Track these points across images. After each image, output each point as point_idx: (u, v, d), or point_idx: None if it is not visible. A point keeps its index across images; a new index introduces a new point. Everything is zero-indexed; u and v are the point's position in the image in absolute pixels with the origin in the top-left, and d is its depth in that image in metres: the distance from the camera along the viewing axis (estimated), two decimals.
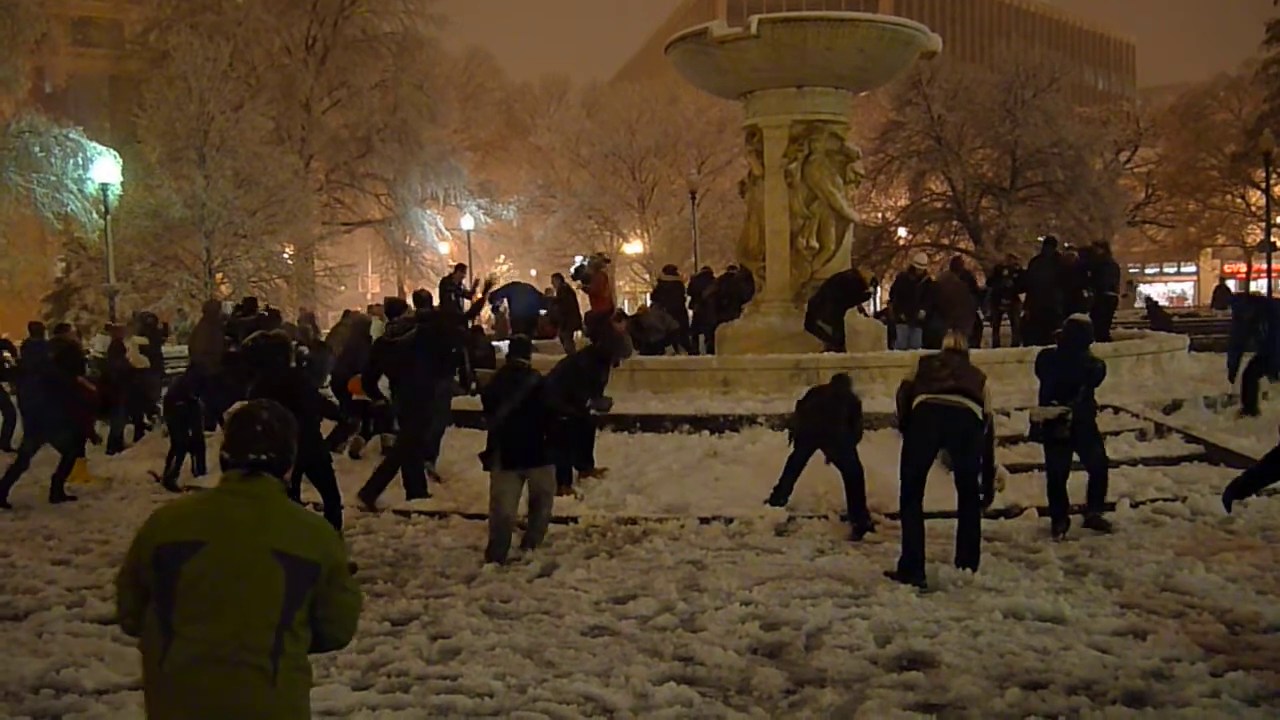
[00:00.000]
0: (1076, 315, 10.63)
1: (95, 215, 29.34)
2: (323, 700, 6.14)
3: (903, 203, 46.25)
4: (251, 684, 3.22)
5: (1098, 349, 14.48)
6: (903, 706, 5.85)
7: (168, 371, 20.61)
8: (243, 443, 3.49)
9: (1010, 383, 14.11)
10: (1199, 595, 7.62)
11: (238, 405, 3.91)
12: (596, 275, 18.34)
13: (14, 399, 16.63)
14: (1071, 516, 9.99)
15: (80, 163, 29.90)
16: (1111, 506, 10.20)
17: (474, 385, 14.51)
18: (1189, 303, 60.47)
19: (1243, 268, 59.49)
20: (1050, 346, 10.80)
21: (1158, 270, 70.59)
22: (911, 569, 8.20)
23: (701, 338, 20.00)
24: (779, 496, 10.40)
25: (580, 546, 9.72)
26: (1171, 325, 25.36)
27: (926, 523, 8.77)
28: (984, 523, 9.84)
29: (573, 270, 20.71)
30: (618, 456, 12.11)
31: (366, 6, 40.81)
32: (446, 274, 21.11)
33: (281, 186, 31.71)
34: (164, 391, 15.93)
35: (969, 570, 8.24)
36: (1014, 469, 11.22)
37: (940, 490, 8.66)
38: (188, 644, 3.23)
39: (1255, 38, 46.32)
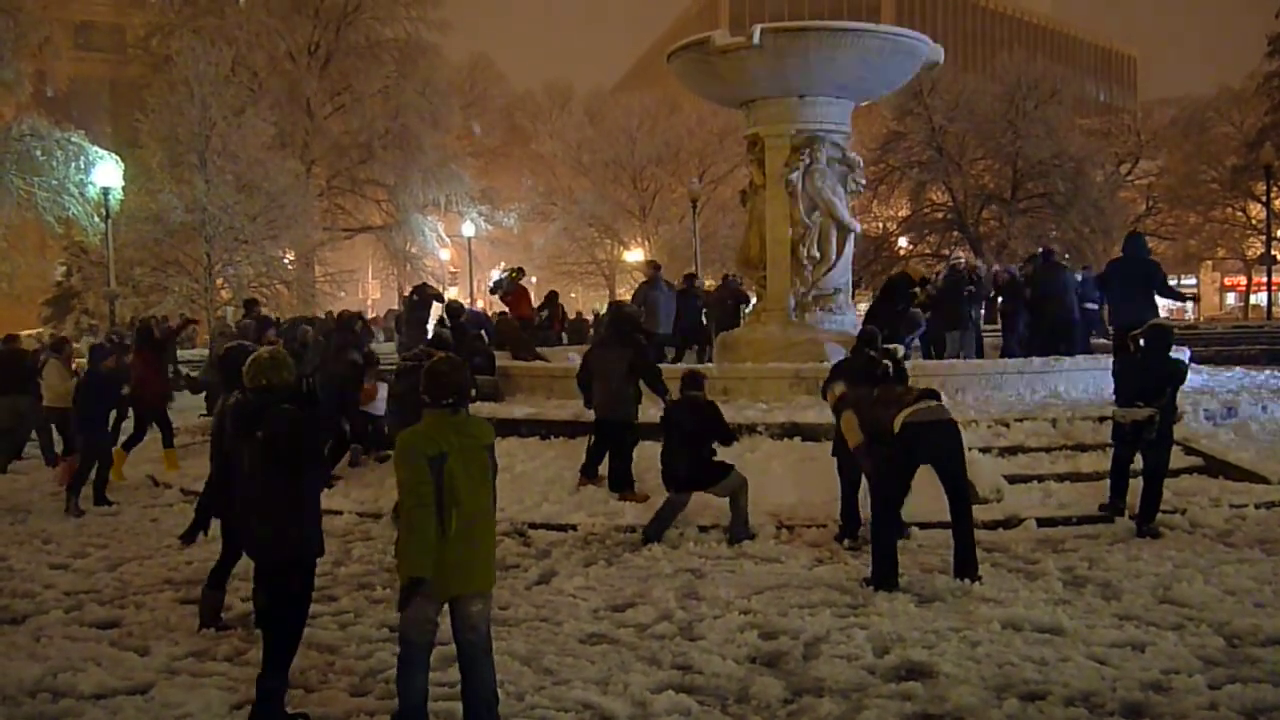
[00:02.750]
0: (1158, 320, 10.75)
1: (96, 219, 29.37)
2: (320, 706, 6.14)
3: (904, 213, 46.36)
4: (492, 537, 5.59)
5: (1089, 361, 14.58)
6: (901, 716, 5.85)
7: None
8: (437, 391, 5.42)
9: (1010, 392, 14.12)
10: (1197, 607, 7.62)
11: (429, 363, 5.70)
12: (515, 288, 19.09)
13: None
14: (1064, 527, 10.03)
15: (81, 166, 29.94)
16: (1115, 517, 10.23)
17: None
18: (1189, 316, 60.53)
19: (1243, 280, 59.51)
20: (1128, 352, 10.88)
21: None
22: (889, 577, 8.22)
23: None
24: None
25: (578, 554, 9.71)
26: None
27: (926, 532, 8.77)
28: (983, 534, 9.89)
29: (490, 285, 21.44)
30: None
31: (370, 12, 40.92)
32: (429, 291, 21.15)
33: (283, 192, 31.72)
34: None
35: (968, 581, 8.23)
36: (1012, 480, 11.24)
37: (936, 501, 8.66)
38: (470, 514, 5.30)
39: (1257, 51, 46.54)
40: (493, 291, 20.25)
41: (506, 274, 21.02)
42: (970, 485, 10.28)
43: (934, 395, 8.63)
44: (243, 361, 7.34)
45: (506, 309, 19.97)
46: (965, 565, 8.36)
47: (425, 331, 18.86)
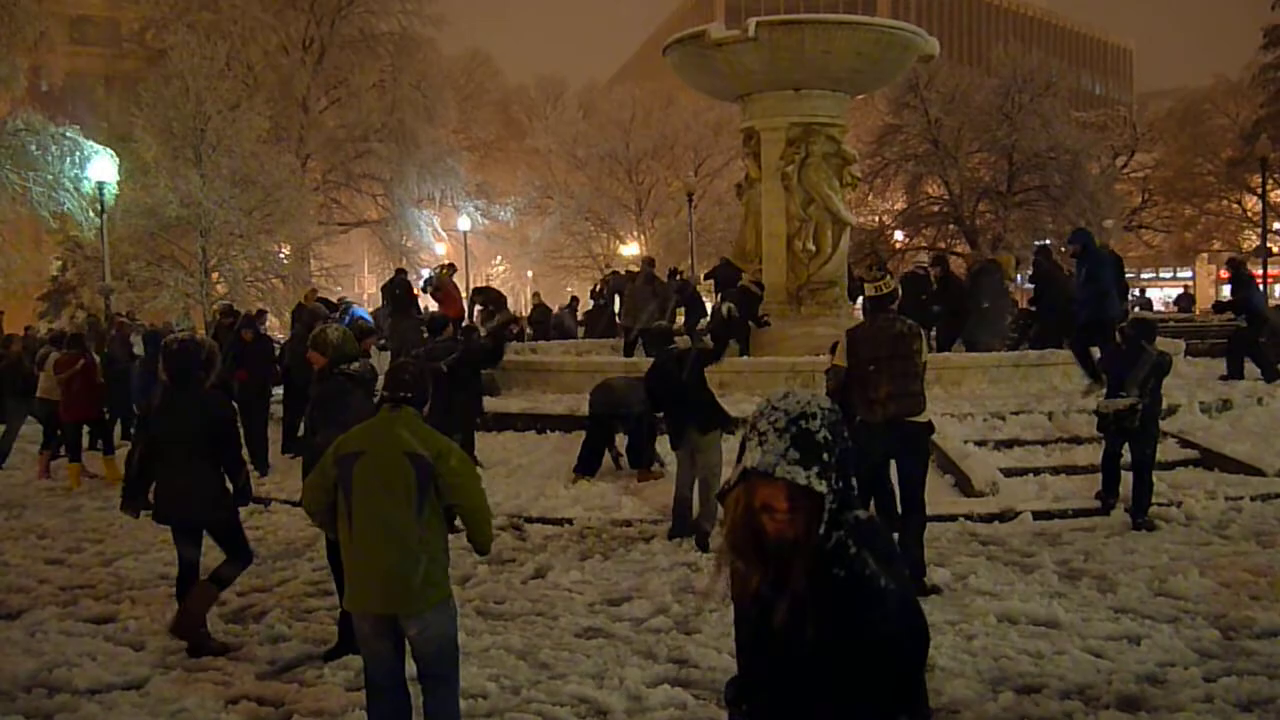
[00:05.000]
0: (1141, 313, 10.82)
1: (91, 214, 29.28)
2: (316, 701, 6.14)
3: (899, 206, 46.29)
4: (404, 553, 4.74)
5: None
6: None
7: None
8: (394, 386, 5.04)
9: (1006, 387, 14.13)
10: (1193, 600, 7.63)
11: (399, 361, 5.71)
12: (445, 284, 19.78)
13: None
14: (1061, 523, 10.04)
15: (77, 161, 29.84)
16: (1111, 508, 10.26)
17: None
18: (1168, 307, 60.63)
19: None
20: (1115, 343, 10.95)
21: (1154, 275, 70.69)
22: None
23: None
24: None
25: (574, 548, 9.71)
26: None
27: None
28: (979, 527, 9.93)
29: (423, 283, 21.75)
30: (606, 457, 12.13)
31: (364, 6, 40.77)
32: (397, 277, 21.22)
33: (278, 186, 31.63)
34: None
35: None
36: (1009, 473, 11.25)
37: (931, 494, 8.67)
38: (365, 523, 4.79)
39: (1253, 43, 46.47)
40: (424, 288, 20.40)
41: (437, 271, 21.28)
42: (966, 478, 10.41)
43: (907, 406, 8.49)
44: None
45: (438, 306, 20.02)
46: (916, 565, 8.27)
47: (414, 320, 18.88)
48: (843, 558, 2.36)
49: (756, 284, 16.57)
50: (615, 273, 25.67)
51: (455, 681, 5.06)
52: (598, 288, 25.42)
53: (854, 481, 2.45)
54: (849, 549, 2.36)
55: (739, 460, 2.47)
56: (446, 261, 25.45)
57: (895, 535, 8.32)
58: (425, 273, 32.35)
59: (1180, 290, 48.67)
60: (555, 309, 28.48)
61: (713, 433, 9.78)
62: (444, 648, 4.93)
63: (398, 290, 20.08)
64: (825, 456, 2.36)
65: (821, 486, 2.34)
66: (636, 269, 21.27)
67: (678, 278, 22.41)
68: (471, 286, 46.35)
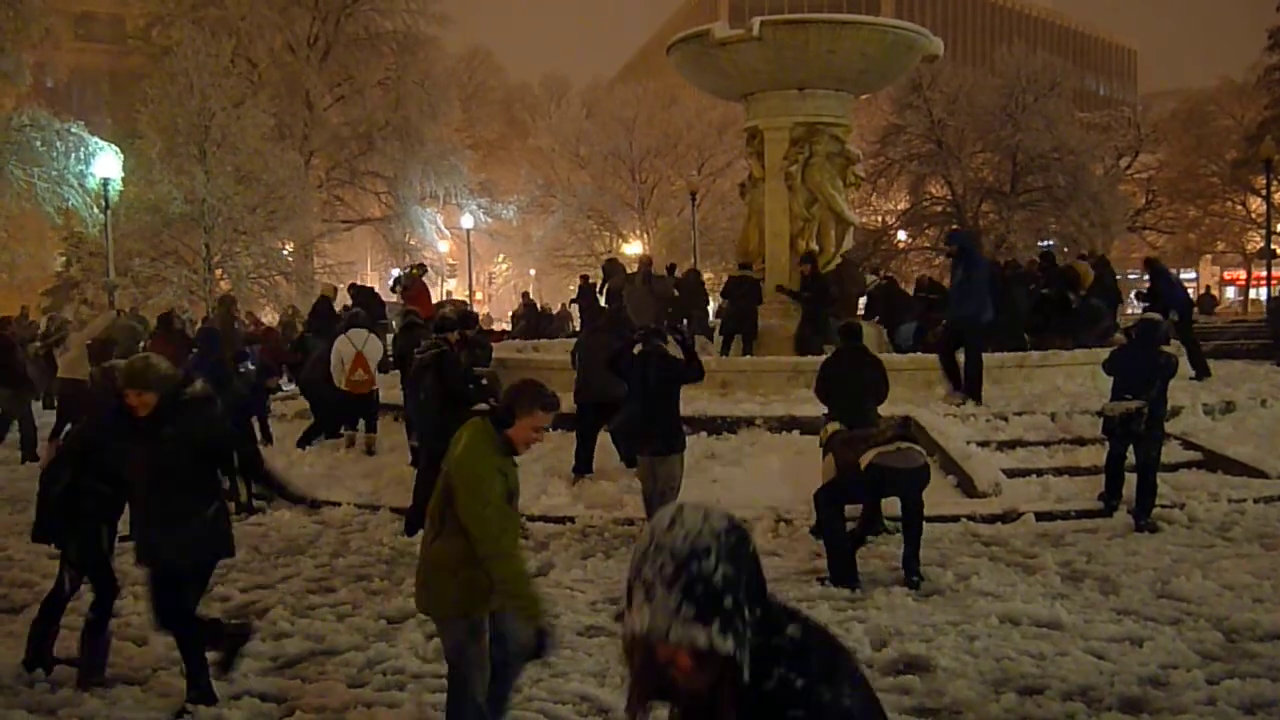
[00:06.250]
0: (1149, 314, 10.81)
1: (96, 210, 29.31)
2: (318, 697, 6.15)
3: (903, 206, 46.29)
4: (423, 559, 4.95)
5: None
6: (899, 711, 5.84)
7: None
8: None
9: (1009, 387, 14.11)
10: (1196, 602, 7.62)
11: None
12: (414, 284, 19.85)
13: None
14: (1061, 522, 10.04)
15: (81, 157, 29.86)
16: (1113, 510, 10.27)
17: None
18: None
19: (1242, 274, 59.47)
20: (1121, 344, 10.96)
21: None
22: (847, 573, 8.21)
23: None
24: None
25: (577, 546, 9.72)
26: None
27: (924, 525, 8.82)
28: (981, 527, 9.93)
29: (391, 283, 21.89)
30: (614, 456, 12.10)
31: (369, 4, 40.78)
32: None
33: (282, 183, 31.62)
34: None
35: (916, 579, 8.21)
36: (1011, 474, 11.24)
37: (933, 495, 8.67)
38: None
39: (1257, 44, 46.43)
40: (393, 289, 20.49)
41: (406, 271, 21.38)
42: (969, 479, 10.44)
43: (908, 434, 8.53)
44: None
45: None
46: (912, 569, 8.36)
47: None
48: (794, 696, 2.01)
49: (745, 266, 16.72)
50: (612, 260, 25.42)
51: (466, 701, 4.90)
52: (596, 284, 24.09)
53: (772, 602, 2.09)
54: (795, 685, 2.02)
55: (628, 604, 2.04)
56: (417, 262, 25.51)
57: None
58: (395, 273, 32.41)
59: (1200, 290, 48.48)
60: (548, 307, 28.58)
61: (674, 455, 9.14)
62: (451, 663, 4.99)
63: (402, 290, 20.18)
64: (728, 602, 1.97)
65: (728, 645, 1.96)
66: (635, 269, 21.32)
67: (676, 272, 22.43)
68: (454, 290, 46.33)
